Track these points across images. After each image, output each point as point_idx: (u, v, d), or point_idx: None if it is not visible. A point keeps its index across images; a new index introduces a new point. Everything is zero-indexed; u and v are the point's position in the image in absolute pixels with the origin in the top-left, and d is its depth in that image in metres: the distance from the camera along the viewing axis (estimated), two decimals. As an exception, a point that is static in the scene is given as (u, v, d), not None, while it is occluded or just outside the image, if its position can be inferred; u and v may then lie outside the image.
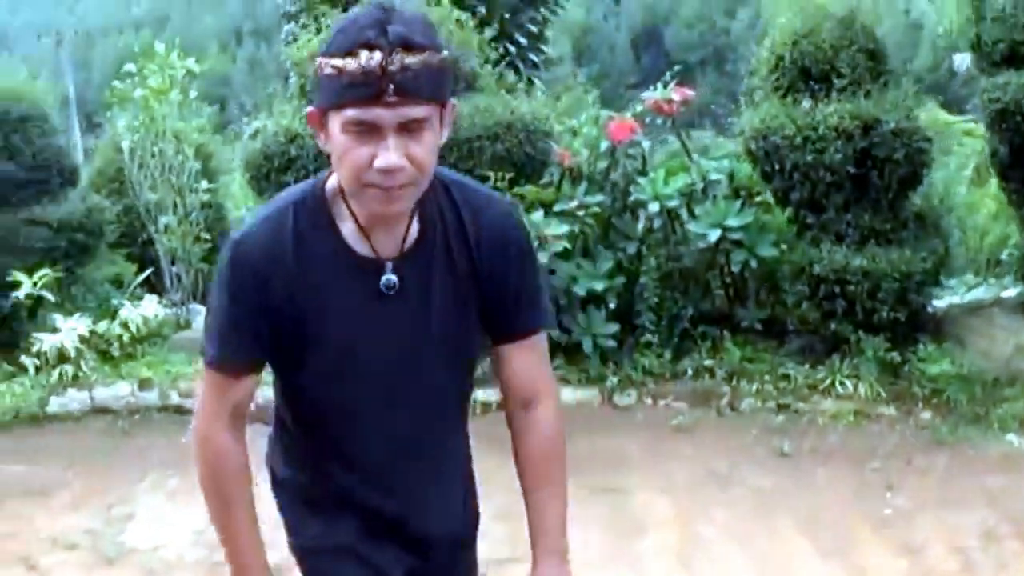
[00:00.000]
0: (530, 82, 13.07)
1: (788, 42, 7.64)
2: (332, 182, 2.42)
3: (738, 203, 7.72)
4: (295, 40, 10.23)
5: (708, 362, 7.69)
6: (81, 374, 8.67)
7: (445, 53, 2.25)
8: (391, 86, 2.14)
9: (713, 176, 7.88)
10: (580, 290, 7.70)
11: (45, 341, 8.67)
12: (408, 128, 2.20)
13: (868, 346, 7.25)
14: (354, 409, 2.48)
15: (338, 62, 2.17)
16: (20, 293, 8.84)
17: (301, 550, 2.72)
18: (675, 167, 8.27)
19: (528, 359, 2.61)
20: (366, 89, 2.15)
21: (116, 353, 9.07)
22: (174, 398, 8.59)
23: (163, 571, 5.83)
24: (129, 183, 9.98)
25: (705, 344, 7.84)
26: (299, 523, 2.72)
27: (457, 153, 8.16)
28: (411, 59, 2.14)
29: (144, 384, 8.71)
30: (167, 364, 9.08)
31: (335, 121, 2.22)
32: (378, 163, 2.19)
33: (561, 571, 2.65)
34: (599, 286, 7.72)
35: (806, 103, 7.43)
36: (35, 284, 8.86)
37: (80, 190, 10.19)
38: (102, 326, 9.09)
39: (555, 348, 7.77)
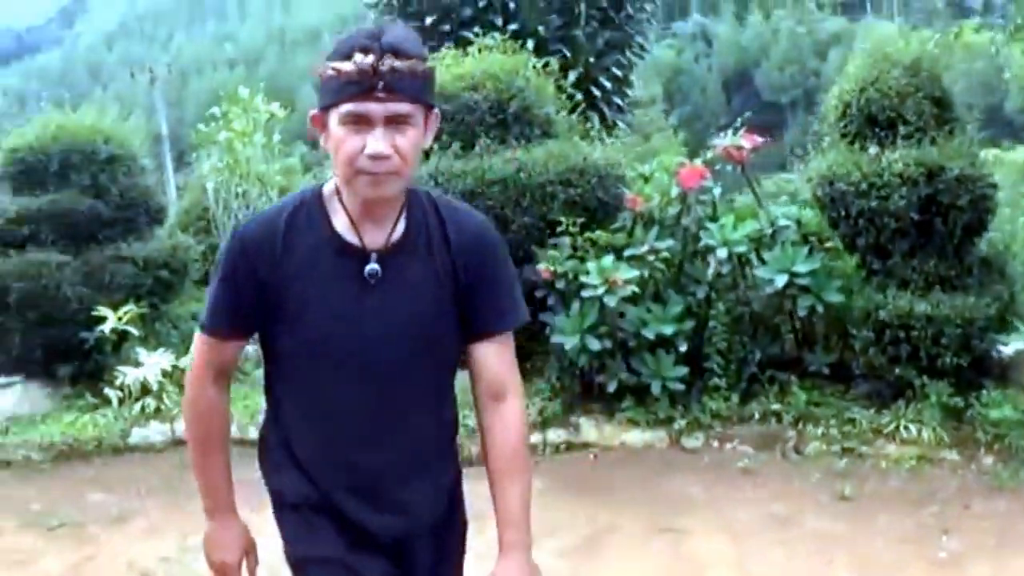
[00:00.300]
0: (614, 125, 13.20)
1: (855, 89, 7.73)
2: (329, 186, 2.76)
3: (806, 249, 7.78)
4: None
5: (775, 406, 7.74)
6: (163, 407, 8.98)
7: (430, 64, 2.61)
8: (381, 83, 2.49)
9: (781, 222, 7.95)
10: (649, 334, 7.80)
11: (128, 375, 8.99)
12: (395, 122, 2.53)
13: (932, 391, 7.27)
14: (330, 386, 2.68)
15: (337, 65, 2.53)
16: (105, 328, 9.17)
17: (290, 554, 2.94)
18: (745, 213, 8.38)
19: (500, 355, 2.87)
20: (360, 86, 2.50)
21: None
22: (252, 433, 8.75)
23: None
24: (213, 222, 10.26)
25: (772, 388, 7.89)
26: (281, 486, 2.94)
27: (530, 198, 8.36)
28: (399, 63, 2.50)
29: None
30: (246, 400, 9.25)
31: (333, 117, 2.57)
32: (368, 150, 2.52)
33: (525, 566, 2.79)
34: (668, 330, 7.81)
35: (872, 150, 7.50)
36: (120, 319, 9.18)
37: (166, 228, 10.50)
38: (184, 361, 9.32)
39: (624, 390, 7.92)
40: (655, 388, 7.84)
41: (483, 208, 8.17)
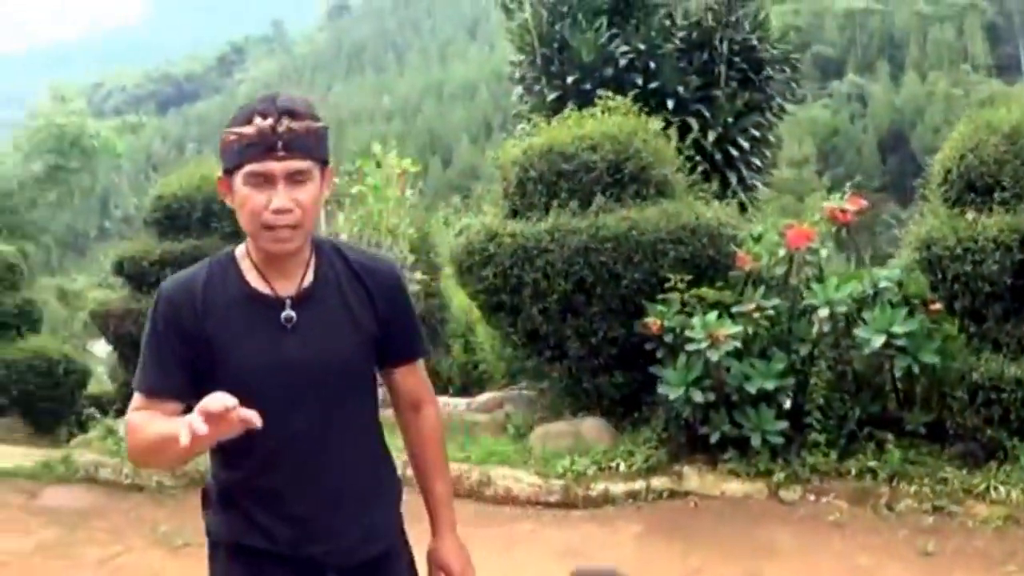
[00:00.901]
0: (753, 186, 13.38)
1: (956, 156, 7.88)
2: (240, 248, 3.02)
3: (904, 310, 7.93)
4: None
5: (872, 463, 7.88)
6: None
7: (321, 123, 2.87)
8: (280, 143, 2.76)
9: (882, 284, 8.12)
10: (752, 388, 8.03)
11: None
12: (294, 179, 2.80)
13: (1022, 452, 7.38)
14: (262, 432, 2.64)
15: (238, 129, 2.79)
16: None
17: None
18: (852, 274, 8.56)
19: (416, 376, 3.26)
20: (260, 147, 2.76)
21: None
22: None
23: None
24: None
25: (870, 445, 8.04)
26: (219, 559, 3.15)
27: (641, 254, 8.66)
28: (295, 124, 2.77)
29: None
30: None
31: (237, 178, 2.82)
32: (272, 205, 2.78)
33: (455, 541, 3.25)
34: (771, 385, 8.04)
35: (969, 215, 7.64)
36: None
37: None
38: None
39: (727, 442, 8.16)
40: (755, 441, 8.08)
41: (596, 263, 8.61)
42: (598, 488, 8.43)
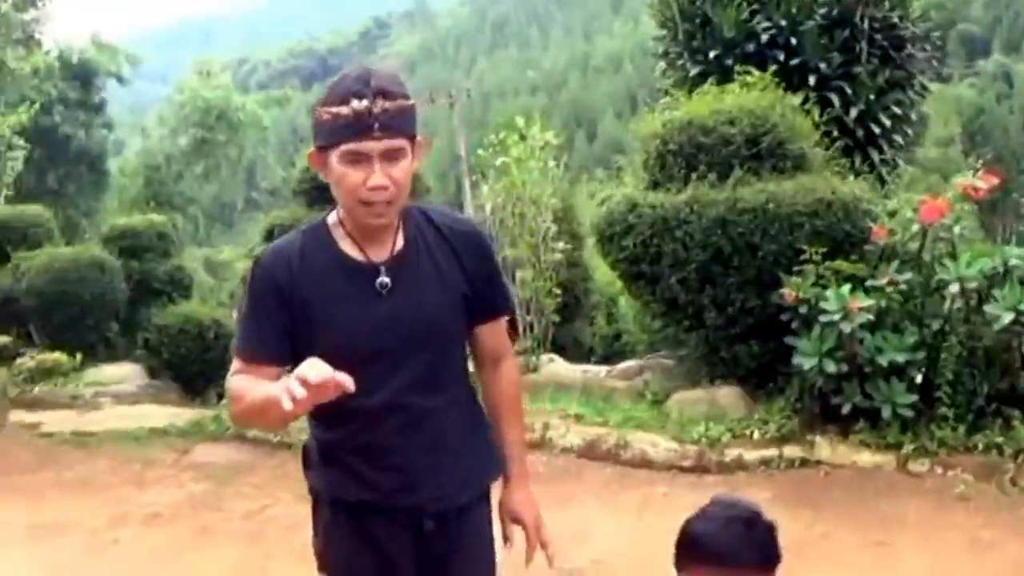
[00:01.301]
0: (894, 163, 13.38)
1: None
2: (332, 216, 3.19)
3: (1035, 288, 8.01)
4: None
5: (999, 439, 7.98)
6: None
7: (411, 101, 3.00)
8: (376, 124, 2.90)
9: (1013, 261, 8.20)
10: (883, 360, 8.17)
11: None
12: (389, 157, 2.95)
13: None
14: (362, 393, 2.75)
15: (334, 109, 2.94)
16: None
17: (322, 545, 3.38)
18: (985, 250, 8.65)
19: (497, 332, 3.45)
20: (358, 128, 2.91)
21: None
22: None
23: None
24: (491, 239, 11.10)
25: (997, 421, 8.15)
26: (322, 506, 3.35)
27: (777, 226, 8.84)
28: (389, 104, 2.91)
29: (489, 418, 9.71)
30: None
31: (333, 156, 2.98)
32: (369, 183, 2.94)
33: (527, 493, 3.50)
34: (901, 358, 8.17)
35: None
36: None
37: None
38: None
39: (858, 413, 8.33)
40: (886, 413, 8.22)
41: (734, 235, 8.83)
42: (732, 454, 8.68)
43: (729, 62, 12.22)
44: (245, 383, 3.02)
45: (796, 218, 8.90)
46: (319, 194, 11.11)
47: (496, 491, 3.50)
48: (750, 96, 9.71)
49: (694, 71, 12.79)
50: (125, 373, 14.12)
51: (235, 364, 3.15)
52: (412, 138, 3.02)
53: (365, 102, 2.88)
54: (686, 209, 9.16)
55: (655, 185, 9.73)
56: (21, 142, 17.12)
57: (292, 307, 3.06)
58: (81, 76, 34.73)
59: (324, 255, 3.12)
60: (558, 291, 11.02)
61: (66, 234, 21.19)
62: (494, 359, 3.46)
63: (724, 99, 9.74)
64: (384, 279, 3.09)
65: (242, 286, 3.31)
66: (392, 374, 3.06)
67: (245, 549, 7.83)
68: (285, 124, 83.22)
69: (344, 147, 2.93)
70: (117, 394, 13.18)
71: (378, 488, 3.17)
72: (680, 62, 13.35)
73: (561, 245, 11.11)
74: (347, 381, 2.59)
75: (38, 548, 8.28)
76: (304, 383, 2.55)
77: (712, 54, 12.70)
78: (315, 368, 2.59)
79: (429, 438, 3.17)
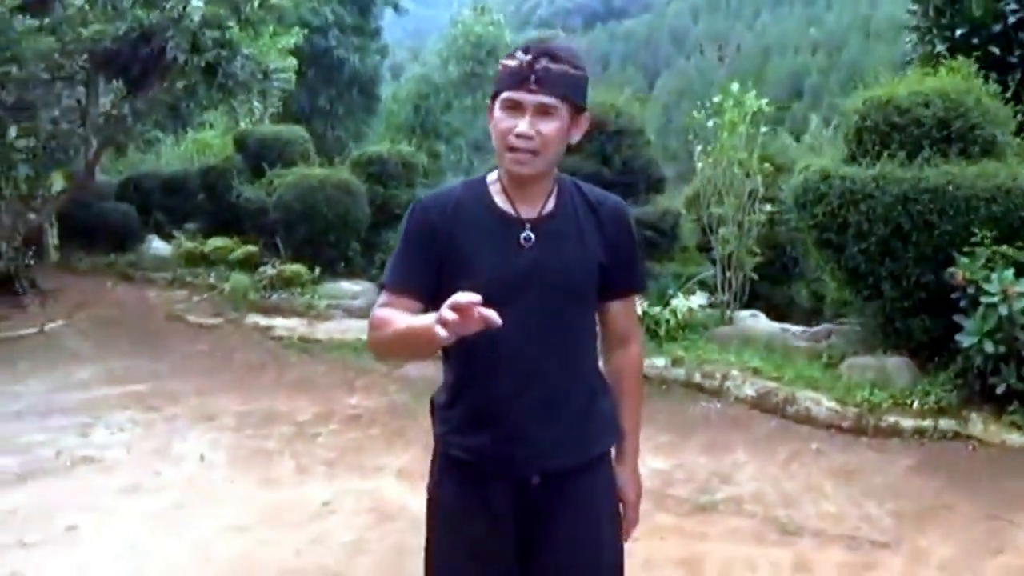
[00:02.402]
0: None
1: None
2: (492, 174, 3.39)
3: None
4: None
5: None
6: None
7: (580, 72, 3.19)
8: (533, 77, 3.10)
9: None
10: (1043, 343, 8.47)
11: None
12: (541, 111, 3.12)
13: None
14: (493, 337, 2.84)
15: (505, 61, 3.18)
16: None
17: (435, 496, 3.51)
18: None
19: (628, 311, 3.58)
20: (517, 78, 3.12)
21: (661, 333, 10.90)
22: (697, 377, 10.27)
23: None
24: (701, 200, 11.68)
25: None
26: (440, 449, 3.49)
27: (954, 208, 9.18)
28: (552, 65, 3.11)
29: (676, 362, 10.56)
30: (699, 349, 10.77)
31: (497, 103, 3.20)
32: (517, 129, 3.12)
33: (635, 471, 3.60)
34: (1058, 345, 8.45)
35: None
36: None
37: (664, 197, 12.07)
38: (655, 310, 10.90)
39: (1012, 394, 8.67)
40: (1041, 394, 8.49)
41: (914, 212, 9.23)
42: (889, 420, 9.08)
43: (975, 41, 12.31)
44: (390, 313, 3.17)
45: (973, 201, 9.21)
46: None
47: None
48: (949, 80, 10.00)
49: (941, 47, 12.90)
50: (358, 289, 15.07)
51: (382, 297, 3.31)
52: (573, 104, 3.19)
53: (529, 56, 3.10)
54: (872, 184, 9.58)
55: (853, 159, 10.15)
56: (293, 62, 18.24)
57: (441, 248, 3.22)
58: (358, 2, 35.31)
59: (478, 205, 3.29)
60: (757, 250, 11.48)
61: (333, 154, 22.50)
62: (622, 339, 3.56)
63: (924, 81, 10.07)
64: (528, 233, 3.24)
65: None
66: (523, 326, 3.12)
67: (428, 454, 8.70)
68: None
69: (504, 94, 3.15)
70: (348, 308, 14.26)
71: (490, 439, 3.28)
72: (928, 37, 13.46)
73: (768, 207, 11.56)
74: (493, 315, 2.67)
75: (244, 434, 9.49)
76: (455, 307, 2.66)
77: (959, 32, 12.76)
78: (464, 296, 2.67)
79: (546, 396, 3.26)
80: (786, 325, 11.78)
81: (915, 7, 13.98)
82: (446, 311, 2.66)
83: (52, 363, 12.60)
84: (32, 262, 16.65)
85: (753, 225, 11.42)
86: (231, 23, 15.56)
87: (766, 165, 11.65)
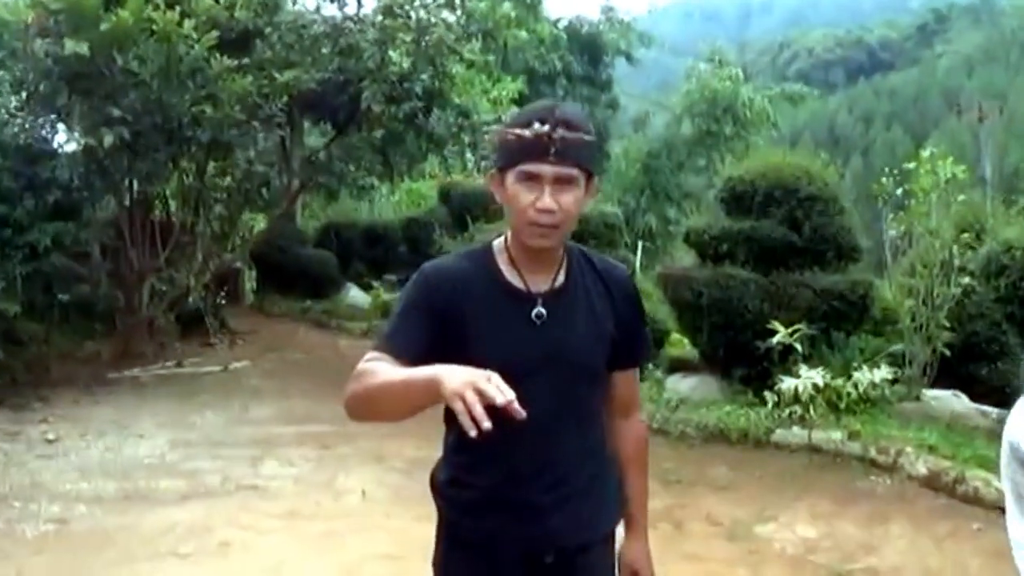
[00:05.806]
0: None
1: None
2: (497, 242, 3.24)
3: None
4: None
5: None
6: (807, 416, 10.52)
7: (593, 137, 3.08)
8: (553, 149, 2.96)
9: None
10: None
11: (786, 383, 10.55)
12: (561, 183, 3.00)
13: None
14: (511, 417, 2.62)
15: (517, 131, 3.00)
16: (775, 340, 10.76)
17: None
18: None
19: (631, 381, 3.49)
20: (536, 149, 2.97)
21: (841, 406, 10.73)
22: (871, 452, 10.04)
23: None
24: (884, 267, 11.43)
25: None
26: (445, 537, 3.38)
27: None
28: (569, 134, 2.97)
29: (852, 436, 10.36)
30: (879, 424, 10.52)
31: (510, 176, 3.04)
32: (538, 204, 2.98)
33: (645, 545, 3.49)
34: None
35: None
36: (790, 335, 10.76)
37: (858, 268, 11.86)
38: (837, 382, 10.73)
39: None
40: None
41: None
42: (1063, 510, 8.66)
43: None
44: (381, 365, 2.97)
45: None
46: (736, 203, 11.81)
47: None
48: None
49: None
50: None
51: (371, 353, 3.08)
52: (587, 172, 3.10)
53: (547, 127, 2.97)
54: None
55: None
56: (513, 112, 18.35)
57: (446, 320, 3.10)
58: (589, 50, 34.83)
59: (485, 278, 3.19)
60: (947, 324, 11.12)
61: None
62: (625, 409, 3.50)
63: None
64: (540, 310, 3.15)
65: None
66: (538, 404, 2.81)
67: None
68: (820, 120, 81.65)
69: (520, 167, 3.02)
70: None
71: (506, 520, 3.20)
72: None
73: (966, 280, 11.19)
74: (519, 411, 2.52)
75: (412, 477, 9.65)
76: (481, 392, 2.50)
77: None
78: (505, 388, 2.52)
79: (558, 474, 3.21)
80: (982, 405, 11.35)
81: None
82: (481, 384, 2.51)
83: (231, 399, 13.25)
84: (224, 302, 17.34)
85: (945, 298, 11.07)
86: (424, 76, 15.92)
87: (964, 235, 11.32)
